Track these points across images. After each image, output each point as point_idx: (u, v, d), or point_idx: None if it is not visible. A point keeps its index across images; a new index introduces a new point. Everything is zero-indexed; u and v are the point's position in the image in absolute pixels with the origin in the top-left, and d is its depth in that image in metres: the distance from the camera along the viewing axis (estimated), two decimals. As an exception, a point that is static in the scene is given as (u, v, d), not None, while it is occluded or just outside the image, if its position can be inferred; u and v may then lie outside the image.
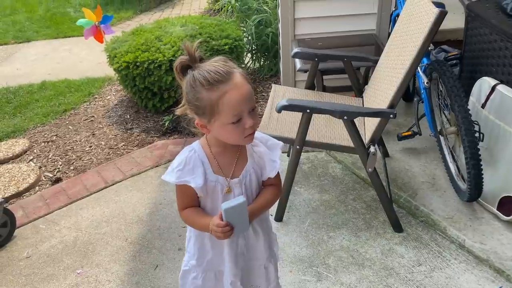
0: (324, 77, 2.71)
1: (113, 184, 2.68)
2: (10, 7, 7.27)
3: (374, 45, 2.92)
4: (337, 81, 2.85)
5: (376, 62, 2.42)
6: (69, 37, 5.75)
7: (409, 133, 2.58)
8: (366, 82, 2.60)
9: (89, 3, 6.82)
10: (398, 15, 2.51)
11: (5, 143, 3.28)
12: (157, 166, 2.78)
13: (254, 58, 4.04)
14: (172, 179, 1.21)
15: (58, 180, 2.84)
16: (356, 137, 1.97)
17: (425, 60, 2.53)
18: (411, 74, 1.91)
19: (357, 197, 2.40)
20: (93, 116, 3.59)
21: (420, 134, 2.58)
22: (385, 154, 2.63)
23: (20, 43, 5.73)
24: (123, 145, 3.14)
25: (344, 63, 2.48)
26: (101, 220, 2.40)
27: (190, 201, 1.27)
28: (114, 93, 3.96)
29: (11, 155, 3.12)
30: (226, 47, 3.32)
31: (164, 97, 3.34)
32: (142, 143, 3.13)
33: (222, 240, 1.23)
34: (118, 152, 3.05)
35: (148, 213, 2.41)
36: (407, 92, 3.10)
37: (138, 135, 3.23)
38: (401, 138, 2.60)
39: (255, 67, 4.07)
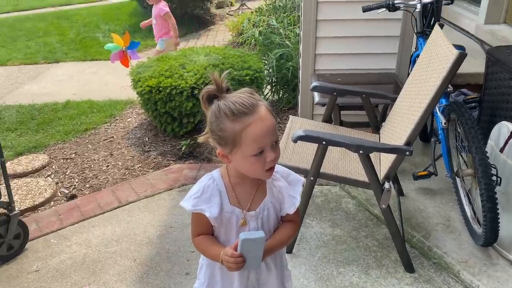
0: (342, 112, 2.74)
1: (127, 204, 2.70)
2: (43, 29, 7.62)
3: (393, 84, 2.95)
4: (354, 117, 2.87)
5: (394, 100, 2.44)
6: (96, 60, 5.96)
7: (425, 173, 2.56)
8: (383, 119, 2.61)
9: (118, 30, 7.08)
10: (418, 56, 2.55)
11: (26, 157, 3.36)
12: (170, 189, 2.80)
13: (273, 90, 4.11)
14: (189, 206, 1.21)
15: (73, 197, 2.88)
16: (371, 172, 1.97)
17: (443, 101, 2.54)
18: (429, 113, 1.92)
19: (370, 234, 2.36)
20: (112, 137, 3.67)
21: (436, 175, 2.56)
22: (400, 192, 2.61)
23: (49, 63, 5.95)
24: (139, 166, 3.19)
25: (363, 99, 2.51)
26: (111, 239, 2.41)
27: (204, 229, 1.26)
28: (135, 116, 4.05)
29: (31, 169, 3.19)
30: (247, 78, 3.39)
31: (183, 122, 3.41)
32: (158, 165, 3.17)
33: (233, 271, 1.21)
34: (134, 173, 3.10)
35: (158, 235, 2.41)
36: (425, 132, 3.09)
37: (154, 158, 3.28)
38: (416, 177, 2.58)
39: (274, 98, 4.13)
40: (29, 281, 2.15)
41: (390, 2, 2.65)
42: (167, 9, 4.51)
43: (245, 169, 1.18)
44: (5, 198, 2.27)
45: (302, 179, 1.31)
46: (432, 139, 2.69)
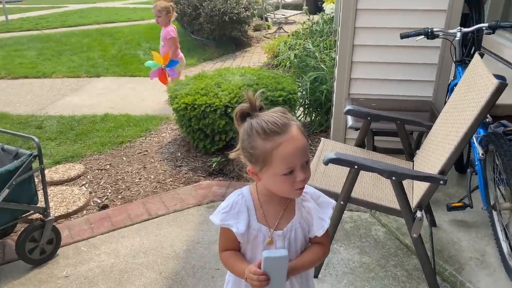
0: (376, 137, 2.71)
1: (156, 217, 2.74)
2: (87, 45, 7.97)
3: (429, 111, 2.90)
4: (388, 143, 2.83)
5: (430, 127, 2.40)
6: (135, 76, 6.16)
7: (460, 204, 2.48)
8: (418, 147, 2.56)
9: (158, 48, 7.31)
10: (456, 85, 2.51)
11: (63, 166, 3.48)
12: (199, 205, 2.83)
13: (306, 112, 4.12)
14: (217, 221, 1.22)
15: (105, 207, 2.95)
16: (403, 200, 1.93)
17: (481, 131, 2.47)
18: (465, 143, 1.87)
19: (399, 263, 2.30)
20: (146, 151, 3.76)
21: (472, 207, 2.47)
22: (433, 223, 2.53)
23: (91, 77, 6.20)
24: (170, 180, 3.24)
25: (397, 125, 2.48)
26: (139, 250, 2.44)
27: (231, 245, 1.27)
28: (169, 131, 4.14)
29: (67, 178, 3.29)
30: (280, 98, 3.42)
31: (215, 140, 3.46)
32: (188, 181, 3.22)
33: None
34: (165, 187, 3.15)
35: (184, 250, 2.43)
36: (461, 163, 3.01)
37: (185, 173, 3.33)
38: (451, 208, 2.50)
39: (306, 121, 4.14)
40: (58, 286, 2.21)
41: (429, 30, 2.64)
42: (174, 34, 4.56)
43: (274, 187, 1.19)
44: (41, 204, 2.35)
45: (333, 202, 1.30)
46: (468, 170, 2.62)
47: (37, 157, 2.27)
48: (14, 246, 2.31)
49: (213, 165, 3.34)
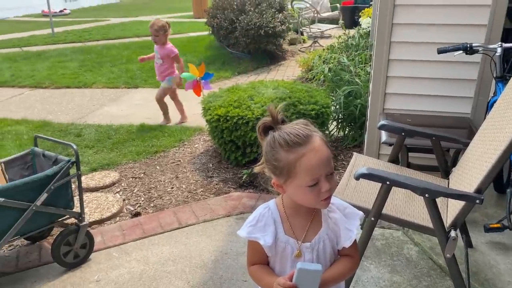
0: (410, 154, 2.65)
1: (186, 226, 2.78)
2: (126, 57, 8.24)
3: (467, 128, 2.82)
4: (423, 160, 2.77)
5: (467, 145, 2.33)
6: (172, 88, 6.29)
7: (499, 225, 2.38)
8: (454, 164, 2.49)
9: (194, 61, 7.47)
10: (496, 102, 2.43)
11: (99, 173, 3.59)
12: (228, 216, 2.84)
13: (339, 126, 4.08)
14: (244, 234, 1.23)
15: (137, 214, 3.01)
16: (437, 218, 1.87)
17: (523, 150, 2.37)
18: (503, 161, 1.80)
19: (432, 284, 2.22)
20: (179, 161, 3.82)
21: (511, 229, 2.36)
22: (468, 244, 2.44)
23: (129, 88, 6.40)
24: (201, 191, 3.28)
25: (433, 142, 2.42)
26: (168, 259, 2.47)
27: (259, 258, 1.26)
28: (202, 143, 4.20)
29: (102, 185, 3.39)
30: (313, 112, 3.41)
31: (246, 152, 3.48)
32: (219, 192, 3.24)
33: None
34: (196, 197, 3.19)
35: (213, 260, 2.44)
36: (500, 182, 2.89)
37: (216, 184, 3.36)
38: (488, 229, 2.40)
39: (339, 135, 4.10)
40: (90, 290, 2.26)
41: (468, 45, 2.58)
42: (176, 51, 4.61)
43: (300, 199, 1.18)
44: (77, 209, 2.43)
45: (360, 213, 1.28)
46: (508, 190, 2.51)
47: (75, 164, 2.36)
48: (50, 249, 2.39)
49: (244, 177, 3.35)
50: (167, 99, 4.81)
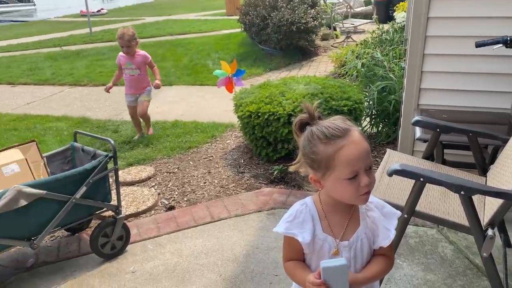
0: (445, 150, 2.59)
1: (218, 221, 2.82)
2: (161, 55, 8.41)
3: (506, 125, 2.71)
4: (459, 157, 2.69)
5: (506, 141, 2.25)
6: (204, 85, 6.40)
7: (539, 225, 2.29)
8: (492, 161, 2.41)
9: (226, 58, 7.54)
10: (538, 96, 2.33)
11: (135, 168, 3.70)
12: (259, 211, 2.87)
13: (372, 122, 4.03)
14: (281, 229, 1.22)
15: (171, 208, 3.09)
16: (473, 216, 1.82)
17: None
18: (546, 158, 1.73)
19: (467, 284, 2.16)
20: (212, 156, 3.88)
21: (553, 229, 2.27)
22: (507, 243, 2.35)
23: (164, 85, 6.50)
24: (233, 186, 3.32)
25: (469, 138, 2.35)
26: (201, 252, 2.53)
27: (295, 255, 1.26)
28: (233, 139, 4.25)
29: (138, 179, 3.49)
30: (345, 108, 3.38)
31: (278, 148, 3.49)
32: (250, 187, 3.27)
33: None
34: (228, 192, 3.23)
35: (244, 254, 2.47)
36: (542, 181, 2.78)
37: (247, 179, 3.39)
38: (528, 229, 2.32)
39: (372, 131, 4.04)
40: (126, 280, 2.34)
41: (508, 38, 2.48)
42: (149, 56, 4.28)
43: (338, 194, 1.16)
44: (114, 202, 2.52)
45: (398, 212, 1.26)
46: (550, 189, 2.41)
47: (112, 158, 2.44)
48: (89, 240, 2.50)
49: (275, 173, 3.37)
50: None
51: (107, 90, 4.33)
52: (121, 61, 4.25)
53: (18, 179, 2.28)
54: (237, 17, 8.77)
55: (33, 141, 2.63)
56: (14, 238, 2.18)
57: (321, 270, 1.12)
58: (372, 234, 1.22)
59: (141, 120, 4.44)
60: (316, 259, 1.23)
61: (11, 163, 2.36)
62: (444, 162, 2.56)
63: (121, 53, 4.24)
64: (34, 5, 31.08)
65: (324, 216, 1.22)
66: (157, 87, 4.32)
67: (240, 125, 3.79)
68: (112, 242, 2.51)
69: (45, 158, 2.62)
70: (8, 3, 30.44)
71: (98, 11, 18.29)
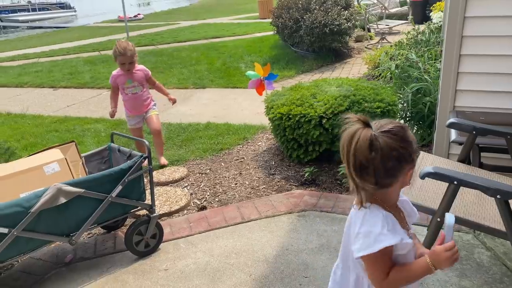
0: (482, 153, 2.51)
1: (249, 221, 2.85)
2: (195, 59, 8.56)
3: (548, 127, 2.61)
4: (497, 160, 2.60)
5: (547, 144, 2.16)
6: (237, 88, 6.46)
7: None
8: (532, 165, 2.33)
9: (259, 61, 7.59)
10: None
11: (169, 168, 3.78)
12: (290, 213, 2.87)
13: (407, 125, 3.94)
14: (395, 240, 1.19)
15: (203, 208, 3.14)
16: (510, 221, 1.76)
17: None
18: None
19: (505, 292, 2.09)
20: (243, 158, 3.92)
21: None
22: (548, 251, 2.26)
23: (197, 88, 6.65)
24: (263, 187, 3.34)
25: (507, 140, 2.28)
26: (232, 251, 2.56)
27: (391, 263, 1.24)
28: (265, 141, 4.27)
29: (171, 180, 3.58)
30: (379, 110, 3.34)
31: (308, 150, 3.49)
32: (280, 189, 3.29)
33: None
34: (258, 193, 3.25)
35: (274, 255, 2.49)
36: None
37: (278, 181, 3.41)
38: None
39: (406, 134, 3.96)
40: (159, 277, 2.41)
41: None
42: (148, 69, 3.91)
43: (395, 194, 1.27)
44: (148, 201, 2.59)
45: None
46: None
47: (147, 159, 2.52)
48: (124, 237, 2.58)
49: (306, 175, 3.36)
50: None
51: (112, 115, 3.84)
52: (120, 81, 3.78)
53: (58, 178, 2.39)
54: (270, 20, 8.80)
55: (73, 141, 2.74)
56: (54, 234, 2.28)
57: (447, 228, 1.19)
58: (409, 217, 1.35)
59: (153, 143, 3.90)
60: (403, 258, 1.27)
61: (52, 162, 2.47)
62: (481, 166, 2.49)
63: (117, 72, 3.81)
64: (75, 11, 32.33)
65: (393, 216, 1.27)
66: (174, 102, 4.03)
67: (271, 127, 3.81)
68: (146, 240, 2.58)
69: (83, 158, 2.73)
70: (50, 10, 31.81)
71: (135, 16, 18.83)
